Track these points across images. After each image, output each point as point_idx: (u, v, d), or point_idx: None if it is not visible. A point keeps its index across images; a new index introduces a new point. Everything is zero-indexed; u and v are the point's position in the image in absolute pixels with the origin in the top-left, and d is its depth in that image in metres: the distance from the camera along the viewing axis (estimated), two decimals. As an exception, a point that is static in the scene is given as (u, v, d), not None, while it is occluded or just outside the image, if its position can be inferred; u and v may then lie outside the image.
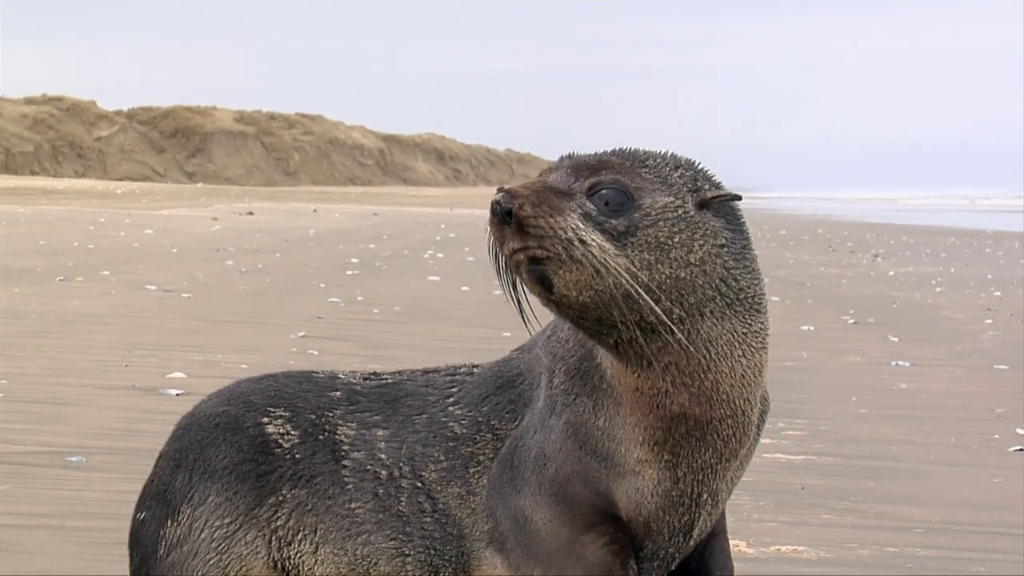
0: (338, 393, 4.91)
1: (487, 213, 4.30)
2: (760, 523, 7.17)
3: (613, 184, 4.43)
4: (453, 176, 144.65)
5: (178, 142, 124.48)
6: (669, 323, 4.50)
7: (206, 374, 11.69)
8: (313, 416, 4.85)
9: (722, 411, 4.54)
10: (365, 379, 4.98)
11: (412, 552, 4.70)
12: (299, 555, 4.74)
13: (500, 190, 4.32)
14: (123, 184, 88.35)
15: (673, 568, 4.80)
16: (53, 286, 18.90)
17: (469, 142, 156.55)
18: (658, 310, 4.47)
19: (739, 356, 4.53)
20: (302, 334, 14.64)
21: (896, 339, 16.61)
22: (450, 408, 4.80)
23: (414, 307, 18.17)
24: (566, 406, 4.60)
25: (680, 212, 4.48)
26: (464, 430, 4.75)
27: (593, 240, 4.31)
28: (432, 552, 4.69)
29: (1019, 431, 10.44)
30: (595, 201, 4.39)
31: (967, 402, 11.93)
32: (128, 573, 4.99)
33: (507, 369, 4.84)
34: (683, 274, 4.45)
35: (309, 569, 4.74)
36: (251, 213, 48.12)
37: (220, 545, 4.75)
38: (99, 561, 6.05)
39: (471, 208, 65.73)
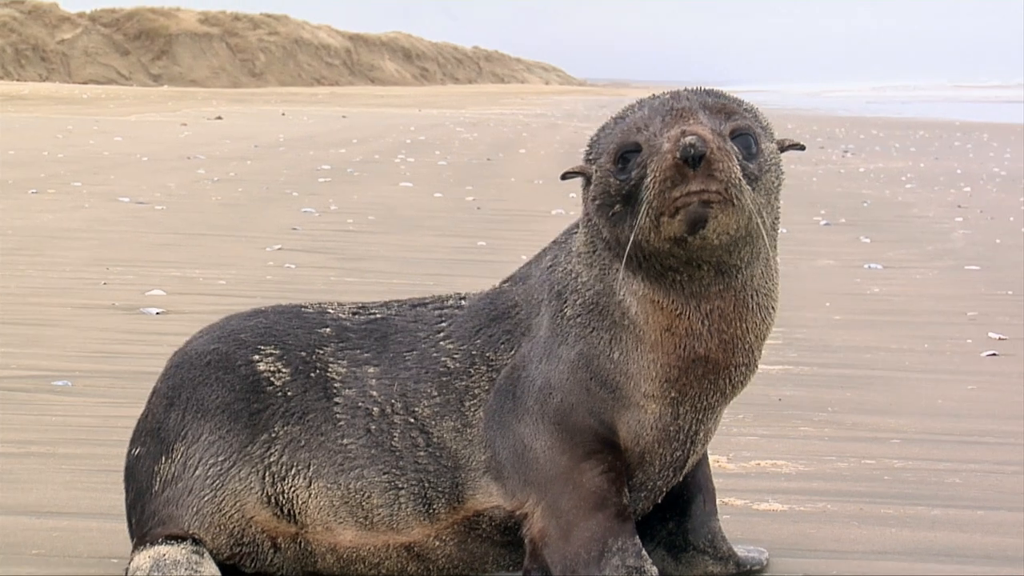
0: (328, 330, 4.97)
1: (665, 151, 4.33)
2: (739, 437, 7.26)
3: (747, 130, 4.51)
4: (420, 75, 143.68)
5: (142, 44, 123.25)
6: (776, 267, 4.65)
7: (185, 290, 11.73)
8: (304, 353, 4.91)
9: (740, 359, 4.66)
10: (354, 314, 5.03)
11: (405, 485, 4.78)
12: (293, 490, 4.82)
13: (687, 132, 4.32)
14: (88, 88, 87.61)
15: (659, 501, 4.91)
16: (26, 199, 18.85)
17: (436, 40, 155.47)
18: (774, 255, 4.61)
19: (769, 308, 4.66)
20: (278, 247, 14.67)
21: (868, 240, 16.71)
22: (442, 343, 4.85)
23: (388, 215, 18.18)
24: (580, 338, 4.68)
25: (778, 159, 4.63)
26: (457, 364, 4.81)
27: (747, 187, 4.39)
28: (426, 485, 4.77)
29: (991, 335, 10.55)
30: (737, 146, 4.46)
31: (940, 305, 12.03)
32: (123, 504, 5.07)
33: (500, 301, 4.89)
34: (773, 218, 4.60)
35: (303, 503, 4.82)
36: (219, 118, 47.84)
37: (214, 482, 4.82)
38: (93, 490, 6.10)
39: (440, 108, 65.49)
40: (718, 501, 5.22)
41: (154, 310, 10.76)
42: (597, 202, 4.60)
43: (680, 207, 4.36)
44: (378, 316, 5.01)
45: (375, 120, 50.14)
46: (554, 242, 4.96)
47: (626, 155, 4.49)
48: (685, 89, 4.63)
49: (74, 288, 11.71)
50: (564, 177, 4.74)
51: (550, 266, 4.86)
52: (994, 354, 9.89)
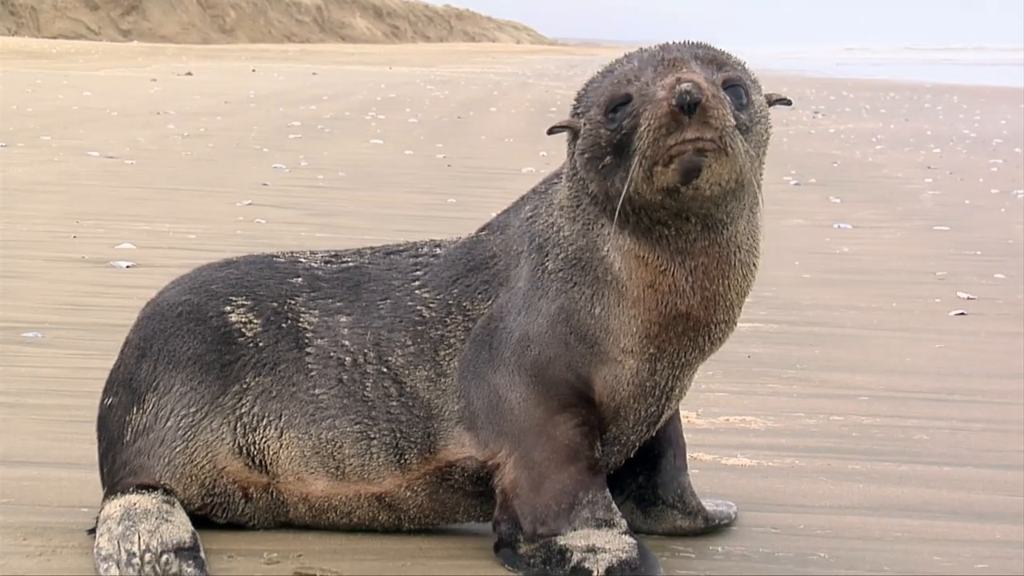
0: (299, 279, 4.95)
1: (660, 98, 4.30)
2: (709, 393, 7.28)
3: (738, 81, 4.50)
4: (391, 33, 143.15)
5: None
6: (759, 224, 4.67)
7: (155, 244, 11.70)
8: (275, 304, 4.90)
9: (721, 315, 4.66)
10: (326, 263, 5.01)
11: (377, 435, 4.78)
12: (264, 440, 4.82)
13: (682, 80, 4.29)
14: (58, 43, 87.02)
15: (631, 455, 4.92)
16: (-5, 153, 18.75)
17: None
18: (758, 212, 4.60)
19: (751, 265, 4.66)
20: (248, 202, 14.62)
21: (838, 200, 16.75)
22: (417, 292, 4.84)
23: (358, 172, 18.13)
24: (561, 292, 4.66)
25: (766, 112, 4.61)
26: (433, 313, 4.80)
27: (739, 136, 4.37)
28: (398, 435, 4.77)
29: (959, 295, 10.59)
30: (729, 96, 4.43)
31: (909, 265, 12.06)
32: (94, 454, 5.07)
33: (478, 251, 4.87)
34: (759, 173, 4.59)
35: (274, 453, 4.82)
36: (189, 74, 47.64)
37: (186, 433, 4.82)
38: (62, 440, 6.09)
39: (410, 67, 65.32)
40: (688, 456, 5.24)
41: (124, 263, 10.72)
42: (586, 155, 4.57)
43: (675, 155, 4.33)
44: (351, 264, 4.99)
45: (345, 77, 49.98)
46: (533, 191, 4.94)
47: (617, 107, 4.46)
48: (674, 42, 4.61)
49: (44, 241, 11.66)
50: (551, 131, 4.72)
51: (530, 217, 4.84)
52: (962, 313, 9.94)
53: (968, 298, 10.50)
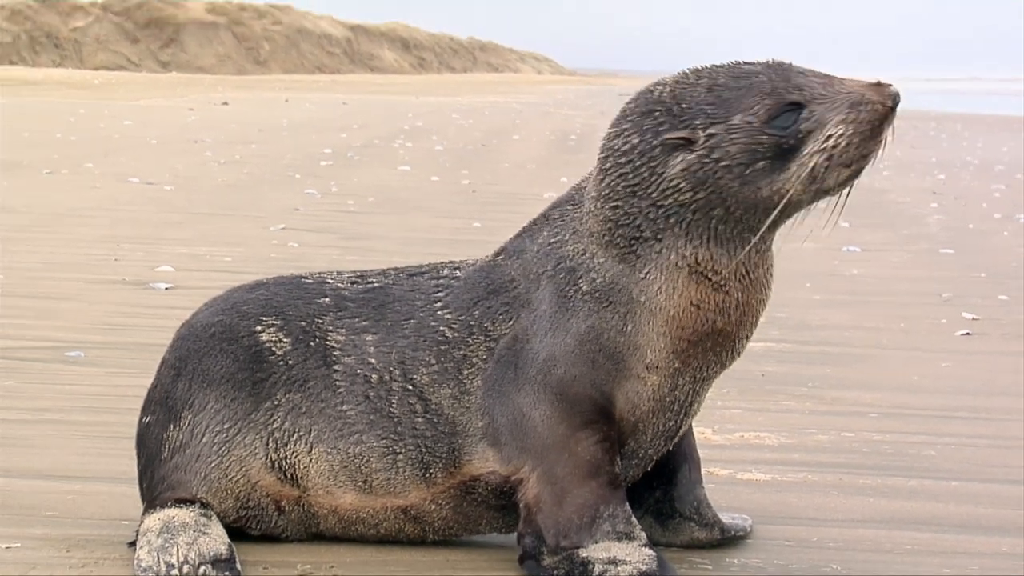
0: (327, 299, 4.94)
1: (875, 100, 4.46)
2: (724, 410, 7.25)
3: None
4: (418, 64, 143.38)
5: (151, 32, 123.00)
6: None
7: (192, 267, 11.70)
8: (304, 323, 4.89)
9: (747, 331, 4.69)
10: (352, 283, 4.99)
11: (403, 450, 4.76)
12: (295, 455, 4.81)
13: (881, 83, 4.48)
14: (100, 74, 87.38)
15: (648, 469, 4.90)
16: (40, 179, 18.81)
17: (433, 31, 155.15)
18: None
19: (771, 280, 4.68)
20: (282, 226, 14.63)
21: (847, 224, 16.67)
22: (439, 313, 4.82)
23: (387, 197, 18.14)
24: (593, 312, 4.63)
25: None
26: (455, 334, 4.78)
27: None
28: (423, 450, 4.75)
29: (964, 315, 10.55)
30: None
31: (915, 287, 12.02)
32: (134, 469, 5.06)
33: (497, 275, 4.85)
34: None
35: (304, 467, 4.81)
36: (226, 103, 47.73)
37: (220, 448, 4.81)
38: (104, 456, 6.08)
39: (436, 97, 65.35)
40: (703, 471, 5.22)
41: (163, 285, 10.73)
42: (730, 161, 4.50)
43: (867, 154, 4.49)
44: (376, 285, 4.98)
45: (374, 107, 50.02)
46: (545, 217, 4.90)
47: (781, 114, 4.48)
48: (776, 61, 4.67)
49: (86, 264, 11.68)
50: (665, 144, 4.57)
51: (553, 242, 4.81)
52: (967, 333, 9.89)
53: (973, 319, 10.46)
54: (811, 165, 4.47)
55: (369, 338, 4.85)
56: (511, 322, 4.76)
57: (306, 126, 34.68)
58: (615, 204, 4.65)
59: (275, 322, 4.92)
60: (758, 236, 4.59)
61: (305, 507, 4.87)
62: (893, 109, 4.43)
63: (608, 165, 4.69)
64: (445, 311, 4.84)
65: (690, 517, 5.10)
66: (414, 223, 15.55)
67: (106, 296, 10.24)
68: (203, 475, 4.82)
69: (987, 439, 6.93)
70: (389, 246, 13.53)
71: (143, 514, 4.86)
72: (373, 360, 4.82)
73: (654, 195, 4.59)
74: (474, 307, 4.82)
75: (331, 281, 5.03)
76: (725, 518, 5.20)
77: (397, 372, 4.79)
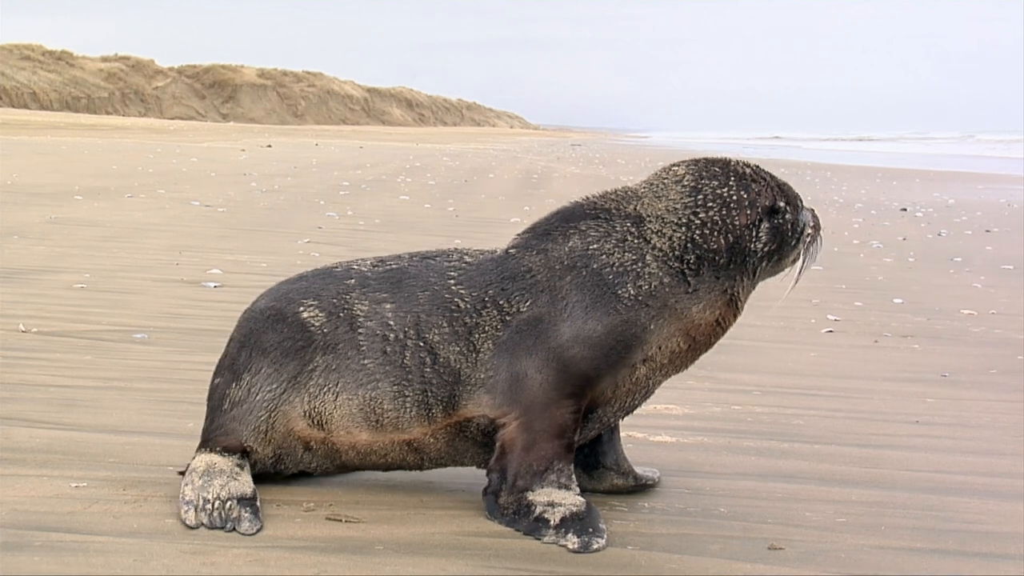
0: (352, 280, 4.82)
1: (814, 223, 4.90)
2: (642, 387, 7.16)
3: None
4: (419, 119, 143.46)
5: (215, 91, 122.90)
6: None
7: (236, 270, 11.58)
8: (335, 300, 4.77)
9: (717, 340, 4.72)
10: (374, 266, 4.87)
11: (411, 393, 4.63)
12: (323, 404, 4.68)
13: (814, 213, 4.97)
14: (174, 123, 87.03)
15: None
16: (123, 201, 18.63)
17: (431, 93, 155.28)
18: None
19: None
20: (307, 240, 14.51)
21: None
22: (452, 287, 4.67)
23: (390, 220, 18.01)
24: (631, 310, 4.52)
25: None
26: (467, 305, 4.62)
27: None
28: (428, 394, 4.61)
29: (829, 316, 10.51)
30: None
31: (792, 294, 11.70)
32: (183, 427, 4.94)
33: (511, 264, 4.69)
34: None
35: (330, 413, 4.68)
36: (270, 146, 47.58)
37: (269, 404, 4.70)
38: (156, 415, 5.97)
39: (431, 144, 65.23)
40: (622, 434, 5.14)
41: (212, 284, 10.61)
42: (782, 239, 4.82)
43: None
44: (393, 266, 4.85)
45: (384, 151, 49.89)
46: (575, 229, 4.71)
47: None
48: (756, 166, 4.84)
49: (153, 266, 11.55)
50: (765, 207, 4.77)
51: (591, 250, 4.63)
52: (831, 331, 9.85)
53: (835, 319, 10.41)
54: (819, 242, 4.92)
55: (388, 306, 4.71)
56: (528, 303, 4.61)
57: (330, 164, 34.52)
58: (702, 234, 4.62)
59: (313, 303, 4.80)
60: (795, 283, 4.88)
61: (329, 445, 4.74)
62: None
63: (710, 206, 4.66)
64: (458, 287, 4.68)
65: (611, 468, 5.01)
66: (410, 240, 15.43)
67: (167, 291, 10.11)
68: (253, 426, 4.70)
69: (843, 412, 6.86)
70: (389, 257, 13.39)
71: (196, 451, 4.75)
72: (392, 322, 4.68)
73: (743, 239, 4.66)
74: (488, 287, 4.65)
75: (356, 267, 4.91)
76: (639, 470, 5.11)
77: (412, 332, 4.65)
